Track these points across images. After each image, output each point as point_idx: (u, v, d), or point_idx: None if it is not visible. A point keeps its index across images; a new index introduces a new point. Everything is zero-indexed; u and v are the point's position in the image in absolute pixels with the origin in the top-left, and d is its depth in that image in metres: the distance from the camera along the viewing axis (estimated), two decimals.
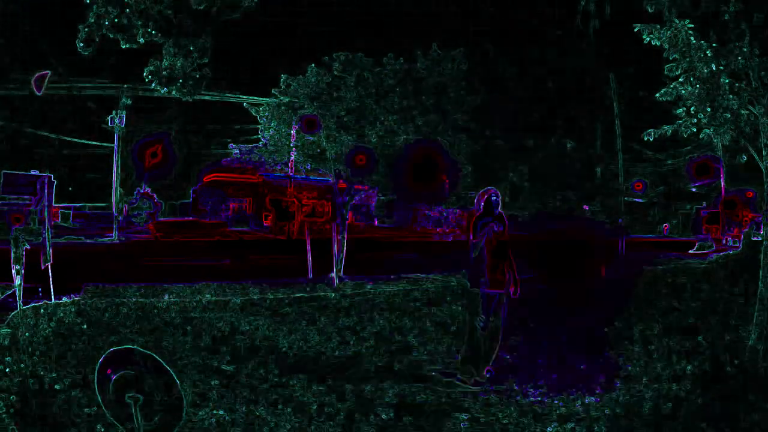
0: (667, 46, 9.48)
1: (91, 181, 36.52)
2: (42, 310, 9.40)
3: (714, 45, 8.83)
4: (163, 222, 33.88)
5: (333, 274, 14.69)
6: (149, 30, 14.10)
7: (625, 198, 24.60)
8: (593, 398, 6.21)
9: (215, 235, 31.69)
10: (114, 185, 30.49)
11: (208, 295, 11.98)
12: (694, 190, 21.92)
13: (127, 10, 13.74)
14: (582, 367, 7.34)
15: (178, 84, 15.54)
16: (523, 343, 8.56)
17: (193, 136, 36.53)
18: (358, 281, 14.72)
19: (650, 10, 9.95)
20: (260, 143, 18.56)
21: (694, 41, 9.32)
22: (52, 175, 11.25)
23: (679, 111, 10.88)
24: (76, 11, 14.36)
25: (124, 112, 27.70)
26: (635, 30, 9.89)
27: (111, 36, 14.38)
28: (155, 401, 3.14)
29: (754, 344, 7.87)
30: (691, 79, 9.84)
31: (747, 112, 9.25)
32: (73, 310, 9.68)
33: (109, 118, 28.21)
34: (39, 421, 4.49)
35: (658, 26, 9.49)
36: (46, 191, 10.83)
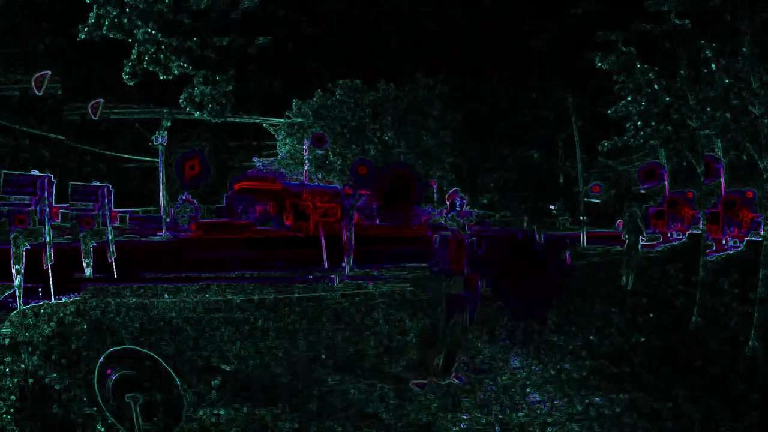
0: (615, 70, 9.27)
1: (142, 190, 36.41)
2: (42, 310, 8.17)
3: (714, 45, 7.58)
4: (202, 223, 33.81)
5: (344, 264, 14.70)
6: (182, 64, 13.94)
7: (585, 198, 24.50)
8: (593, 398, 5.38)
9: (246, 233, 31.52)
10: (161, 193, 30.47)
11: (207, 295, 10.48)
12: (642, 191, 21.62)
13: (163, 47, 13.59)
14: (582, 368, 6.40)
15: (208, 108, 15.36)
16: (521, 343, 7.52)
17: (223, 152, 36.42)
18: (365, 269, 14.51)
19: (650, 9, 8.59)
20: (279, 157, 18.29)
21: (638, 65, 9.07)
22: (52, 175, 9.65)
23: (628, 125, 10.61)
24: (119, 46, 14.18)
25: (166, 133, 27.88)
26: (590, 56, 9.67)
27: (151, 69, 14.26)
28: (155, 401, 2.76)
29: (753, 345, 6.95)
30: (638, 97, 9.59)
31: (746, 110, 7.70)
32: (72, 310, 8.50)
33: (153, 137, 28.41)
34: (39, 421, 3.94)
35: (604, 53, 9.25)
36: (46, 191, 9.33)
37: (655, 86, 9.32)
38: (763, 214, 8.03)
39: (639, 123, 10.07)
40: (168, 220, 30.02)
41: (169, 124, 27.12)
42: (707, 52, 7.52)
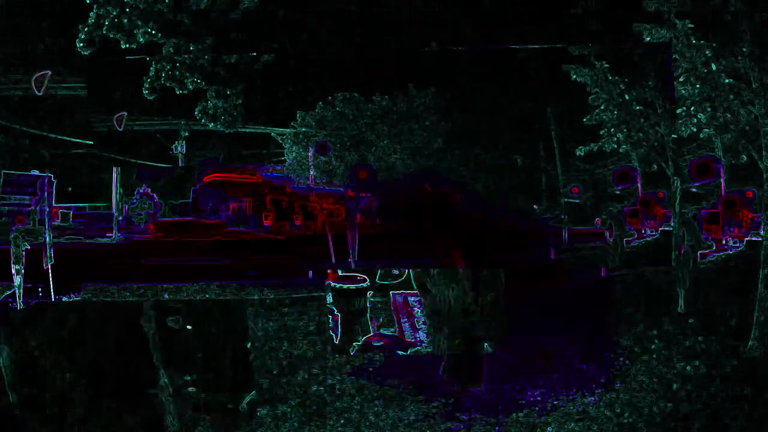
0: (589, 82, 9.34)
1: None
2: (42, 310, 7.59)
3: (714, 45, 7.19)
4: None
5: (350, 259, 14.98)
6: (195, 80, 14.07)
7: (565, 199, 24.58)
8: (593, 398, 5.09)
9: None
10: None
11: (207, 295, 9.82)
12: (617, 192, 21.69)
13: (178, 64, 13.69)
14: (582, 367, 6.03)
15: (221, 119, 15.50)
16: (522, 343, 6.92)
17: (237, 159, 36.50)
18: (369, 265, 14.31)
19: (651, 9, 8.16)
20: (286, 164, 18.46)
21: (610, 77, 9.16)
22: (52, 175, 9.05)
23: (602, 132, 10.70)
24: (140, 65, 14.29)
25: (184, 142, 28.24)
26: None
27: (168, 84, 14.39)
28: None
29: (753, 344, 6.54)
30: (610, 107, 9.69)
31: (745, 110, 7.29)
32: None
33: (173, 147, 28.65)
34: (39, 422, 3.80)
35: (578, 67, 9.29)
36: (45, 191, 8.75)
37: (626, 96, 9.39)
38: (763, 214, 7.49)
39: (612, 130, 10.17)
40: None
41: (186, 134, 27.43)
42: (707, 52, 7.15)
